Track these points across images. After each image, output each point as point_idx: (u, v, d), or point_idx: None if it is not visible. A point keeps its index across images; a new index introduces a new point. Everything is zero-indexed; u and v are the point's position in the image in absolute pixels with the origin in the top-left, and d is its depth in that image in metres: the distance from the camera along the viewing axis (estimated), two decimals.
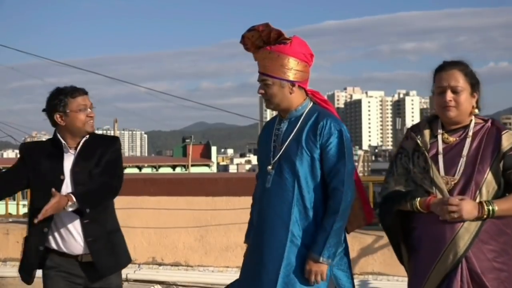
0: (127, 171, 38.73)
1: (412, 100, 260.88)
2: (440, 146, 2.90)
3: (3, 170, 3.42)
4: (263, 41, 3.03)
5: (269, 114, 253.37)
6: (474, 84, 2.87)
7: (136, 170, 39.60)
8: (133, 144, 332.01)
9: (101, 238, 3.30)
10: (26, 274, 3.38)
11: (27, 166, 3.33)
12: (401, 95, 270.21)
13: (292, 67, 2.99)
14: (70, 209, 3.13)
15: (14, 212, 8.82)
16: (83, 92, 3.32)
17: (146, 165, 45.05)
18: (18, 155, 3.44)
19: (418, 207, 2.85)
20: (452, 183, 2.82)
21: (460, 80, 2.85)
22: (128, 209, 7.07)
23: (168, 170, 42.60)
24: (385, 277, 6.24)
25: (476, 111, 2.89)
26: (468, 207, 2.71)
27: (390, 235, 3.08)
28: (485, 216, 2.73)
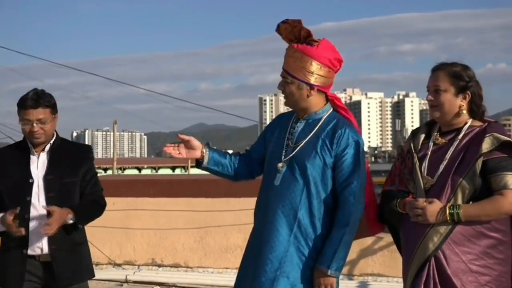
0: (126, 172, 38.75)
1: (412, 102, 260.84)
2: (430, 147, 2.92)
3: None
4: (295, 37, 2.99)
5: (268, 115, 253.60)
6: (463, 86, 2.84)
7: (135, 172, 39.59)
8: (133, 145, 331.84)
9: (65, 247, 3.27)
10: (15, 283, 3.25)
11: None
12: (401, 97, 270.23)
13: (314, 71, 2.93)
14: (71, 222, 3.17)
15: None
16: (31, 105, 3.23)
17: (145, 166, 45.03)
18: None
19: (399, 207, 2.91)
20: (429, 184, 2.84)
21: (441, 81, 2.85)
22: (127, 211, 7.08)
23: (168, 171, 42.54)
24: (385, 278, 6.25)
25: (464, 112, 2.86)
26: (431, 210, 2.74)
27: (391, 232, 3.14)
28: (448, 220, 2.74)
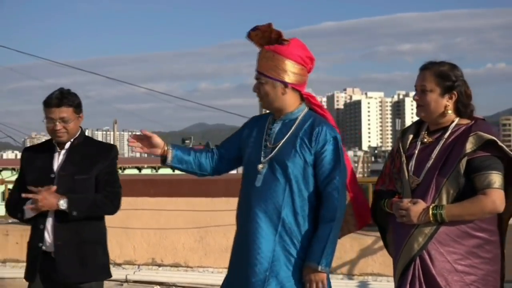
0: (126, 172, 38.71)
1: (412, 101, 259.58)
2: (418, 146, 2.94)
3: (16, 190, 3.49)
4: (266, 41, 3.02)
5: None
6: (449, 86, 2.85)
7: (135, 171, 39.53)
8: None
9: (71, 244, 3.30)
10: (30, 275, 3.40)
11: (24, 171, 3.49)
12: (401, 96, 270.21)
13: (287, 69, 2.97)
14: (62, 207, 3.24)
15: None
16: (55, 104, 3.33)
17: (145, 166, 44.94)
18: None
19: (387, 207, 2.95)
20: (415, 183, 2.86)
21: (427, 81, 2.87)
22: (127, 210, 7.07)
23: (168, 171, 42.44)
24: (385, 278, 6.24)
25: (450, 112, 2.87)
26: (415, 211, 2.76)
27: (380, 232, 3.19)
28: (432, 221, 2.75)
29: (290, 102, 3.03)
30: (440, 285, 2.74)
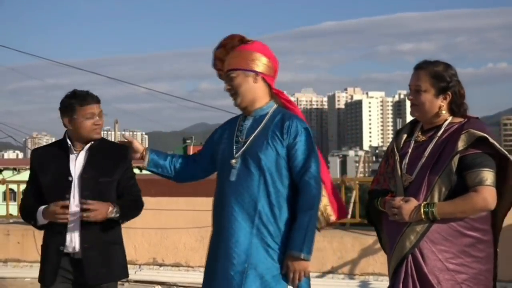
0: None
1: None
2: (411, 145, 2.97)
3: (29, 192, 3.45)
4: (228, 52, 3.14)
5: None
6: (443, 86, 2.87)
7: (136, 171, 39.53)
8: None
9: (96, 246, 3.30)
10: (49, 278, 3.32)
11: (36, 173, 3.39)
12: (402, 96, 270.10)
13: (255, 59, 3.07)
14: (117, 215, 3.27)
15: (15, 213, 8.81)
16: (95, 100, 3.34)
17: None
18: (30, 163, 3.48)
19: (380, 206, 2.97)
20: (408, 181, 2.89)
21: (422, 81, 2.89)
22: None
23: None
24: (386, 277, 6.23)
25: (444, 112, 2.89)
26: (407, 209, 2.79)
27: (376, 231, 3.21)
28: (423, 218, 2.77)
29: (261, 93, 3.11)
30: (431, 283, 2.75)
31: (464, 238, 2.79)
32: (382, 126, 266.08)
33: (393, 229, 2.89)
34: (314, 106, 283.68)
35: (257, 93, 3.10)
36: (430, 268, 2.77)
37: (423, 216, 2.77)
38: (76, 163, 3.34)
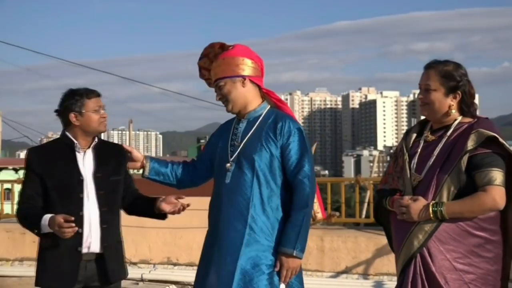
0: (142, 171, 38.91)
1: None
2: (421, 145, 2.97)
3: (28, 192, 3.25)
4: (211, 60, 3.20)
5: None
6: (453, 86, 2.88)
7: None
8: (148, 144, 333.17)
9: (113, 245, 3.31)
10: (67, 283, 3.19)
11: (39, 174, 3.22)
12: (416, 95, 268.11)
13: (239, 63, 3.12)
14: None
15: None
16: (97, 94, 3.33)
17: None
18: (26, 164, 3.27)
19: (388, 205, 2.98)
20: (417, 181, 2.89)
21: (432, 80, 2.90)
22: None
23: None
24: None
25: (454, 111, 2.90)
26: (415, 208, 2.79)
27: (384, 230, 3.21)
28: (432, 218, 2.77)
29: (252, 96, 3.16)
30: (439, 283, 2.75)
31: (472, 238, 2.79)
32: (396, 125, 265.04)
33: (401, 228, 2.89)
34: (328, 106, 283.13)
35: (247, 97, 3.15)
36: (438, 267, 2.77)
37: (431, 215, 2.77)
38: (85, 162, 3.27)
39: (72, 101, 3.26)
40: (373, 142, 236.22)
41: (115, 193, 3.33)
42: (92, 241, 3.21)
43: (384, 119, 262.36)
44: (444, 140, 2.88)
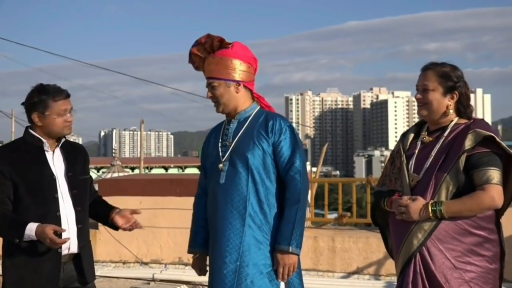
0: (153, 171, 39.02)
1: None
2: (418, 146, 3.00)
3: None
4: (207, 52, 3.17)
5: (294, 115, 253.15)
6: (451, 86, 2.91)
7: (162, 171, 39.83)
8: (160, 144, 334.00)
9: (87, 245, 3.25)
10: (53, 284, 3.07)
11: (9, 176, 3.04)
12: None
13: (236, 68, 3.12)
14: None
15: None
16: (65, 95, 3.13)
17: (172, 165, 45.26)
18: None
19: (386, 206, 2.99)
20: (415, 181, 2.91)
21: (430, 80, 2.93)
22: (154, 209, 7.12)
23: (194, 170, 42.73)
24: None
25: (451, 111, 2.93)
26: (414, 208, 2.81)
27: (380, 232, 3.23)
28: (431, 217, 2.79)
29: (244, 99, 3.18)
30: (439, 281, 2.77)
31: (471, 236, 2.81)
32: (408, 126, 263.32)
33: (400, 228, 2.91)
34: (340, 106, 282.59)
35: (239, 101, 3.17)
36: (438, 266, 2.78)
37: (431, 215, 2.79)
38: (55, 162, 3.15)
39: (37, 100, 3.09)
40: (384, 142, 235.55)
41: (86, 192, 3.28)
42: (71, 241, 3.08)
43: (396, 119, 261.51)
44: (441, 140, 2.91)
